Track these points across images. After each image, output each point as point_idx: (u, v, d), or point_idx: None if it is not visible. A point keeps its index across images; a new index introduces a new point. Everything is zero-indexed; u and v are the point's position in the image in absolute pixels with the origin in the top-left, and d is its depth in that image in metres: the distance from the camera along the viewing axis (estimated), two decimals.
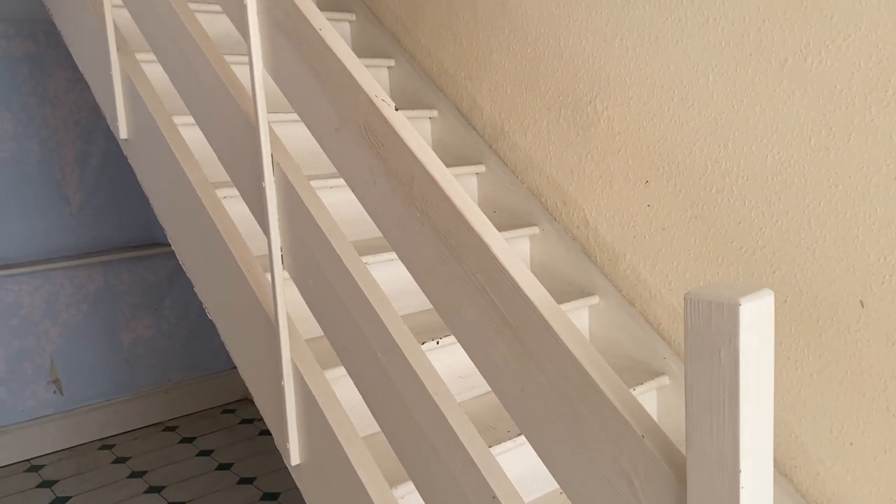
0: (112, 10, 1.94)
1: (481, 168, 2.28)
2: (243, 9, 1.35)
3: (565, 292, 2.06)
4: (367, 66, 2.52)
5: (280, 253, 1.40)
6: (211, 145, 1.60)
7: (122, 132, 1.94)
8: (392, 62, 2.54)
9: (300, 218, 1.32)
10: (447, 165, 2.31)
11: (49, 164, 3.39)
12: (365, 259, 1.80)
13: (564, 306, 1.93)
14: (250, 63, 1.36)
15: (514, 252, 0.96)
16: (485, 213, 2.29)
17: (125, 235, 3.61)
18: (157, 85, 2.00)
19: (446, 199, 1.02)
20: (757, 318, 0.70)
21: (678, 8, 1.76)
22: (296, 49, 1.27)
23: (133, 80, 1.85)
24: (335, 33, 1.21)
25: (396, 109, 1.13)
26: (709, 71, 1.72)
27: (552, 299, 0.92)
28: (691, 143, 1.78)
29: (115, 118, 1.95)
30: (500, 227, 2.15)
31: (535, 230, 2.14)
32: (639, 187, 1.91)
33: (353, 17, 2.66)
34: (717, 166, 1.74)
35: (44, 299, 3.33)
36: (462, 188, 1.04)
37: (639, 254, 1.92)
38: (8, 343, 3.25)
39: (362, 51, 2.66)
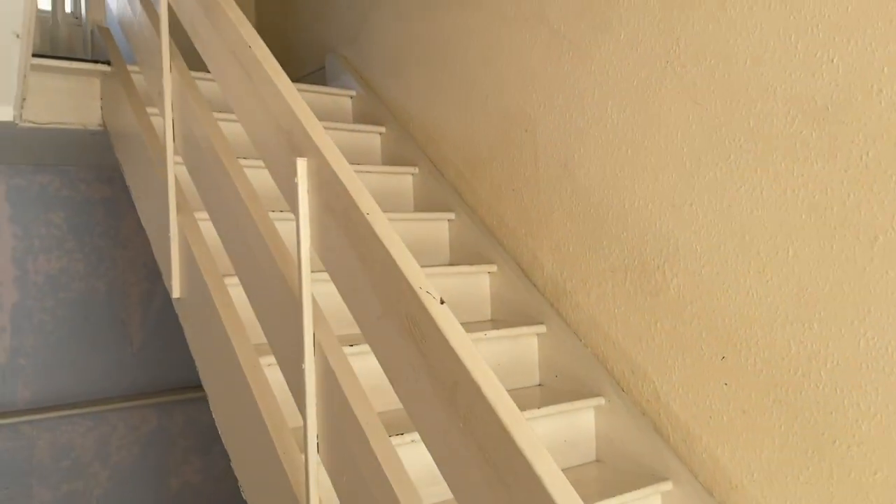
0: (175, 167, 1.97)
1: (542, 328, 2.16)
2: (294, 187, 1.31)
3: (635, 475, 1.87)
4: (427, 220, 2.49)
5: (316, 441, 1.29)
6: (254, 310, 1.54)
7: (175, 291, 1.91)
8: (452, 215, 2.50)
9: (339, 408, 1.22)
10: (507, 323, 2.20)
11: (115, 304, 3.44)
12: (400, 440, 1.67)
13: (635, 493, 1.74)
14: (298, 241, 1.31)
15: (573, 491, 0.82)
16: (546, 376, 2.15)
17: (182, 375, 3.59)
18: (212, 243, 1.99)
19: (493, 415, 0.91)
20: None
21: (752, 176, 1.66)
22: (343, 231, 1.21)
23: (189, 240, 1.84)
24: (383, 218, 1.15)
25: (442, 303, 1.04)
26: (788, 244, 1.59)
27: None
28: (771, 319, 1.63)
29: (169, 276, 1.93)
30: (564, 396, 2.01)
31: (602, 401, 1.98)
32: (714, 363, 1.74)
33: (415, 170, 2.67)
34: (801, 347, 1.57)
35: (96, 440, 3.29)
36: (512, 401, 0.93)
37: (716, 437, 1.73)
38: (57, 487, 3.18)
39: (424, 203, 2.64)
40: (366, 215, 1.15)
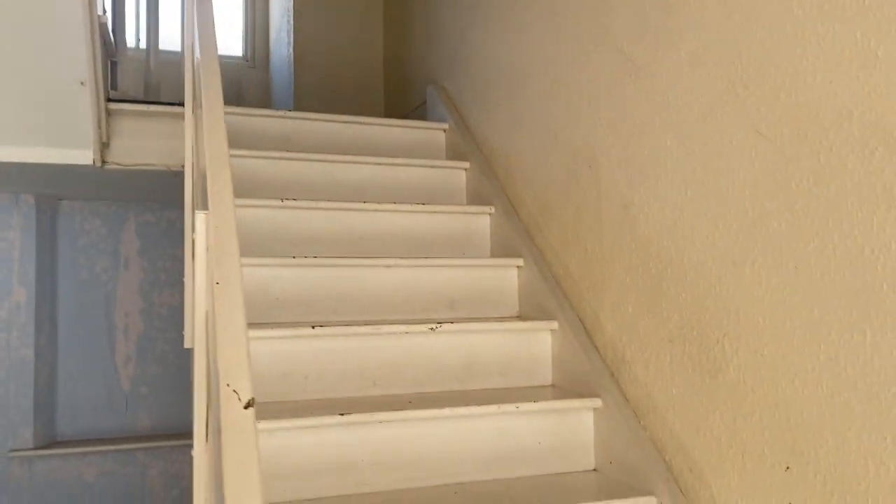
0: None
1: (598, 402, 1.81)
2: (192, 243, 1.15)
3: None
4: (497, 266, 2.23)
5: None
6: None
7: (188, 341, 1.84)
8: (521, 261, 2.21)
9: None
10: (564, 392, 1.89)
11: None
12: None
13: None
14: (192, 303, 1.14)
15: None
16: (602, 461, 1.80)
17: None
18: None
19: None
20: None
21: (822, 230, 1.24)
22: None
23: None
24: (234, 289, 0.94)
25: (248, 407, 0.81)
26: (866, 326, 1.15)
27: None
28: (845, 426, 1.19)
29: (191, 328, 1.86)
30: (616, 490, 1.65)
31: (653, 501, 1.60)
32: (778, 473, 1.32)
33: (492, 209, 2.42)
34: (881, 469, 1.12)
35: None
36: None
37: None
38: None
39: (499, 246, 2.38)
40: (215, 284, 0.95)
